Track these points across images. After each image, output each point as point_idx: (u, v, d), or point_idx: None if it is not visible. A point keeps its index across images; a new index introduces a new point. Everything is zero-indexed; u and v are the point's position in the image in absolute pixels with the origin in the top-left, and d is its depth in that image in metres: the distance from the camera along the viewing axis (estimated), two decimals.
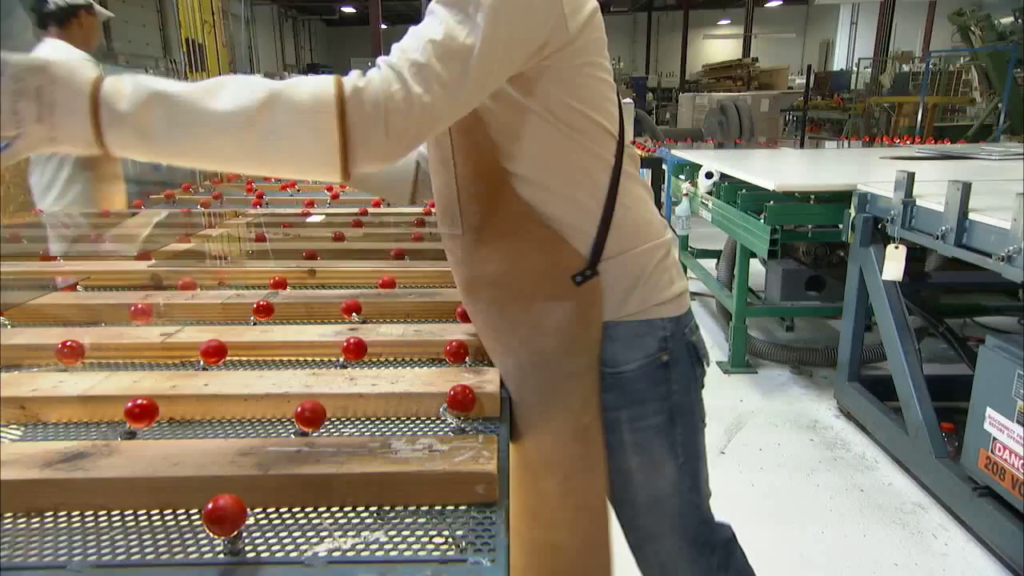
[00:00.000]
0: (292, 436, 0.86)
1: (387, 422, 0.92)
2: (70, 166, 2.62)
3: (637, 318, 1.00)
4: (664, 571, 1.13)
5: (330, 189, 2.88)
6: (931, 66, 10.84)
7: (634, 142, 6.17)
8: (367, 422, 0.92)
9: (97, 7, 2.79)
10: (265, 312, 1.24)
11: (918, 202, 2.36)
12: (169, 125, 0.72)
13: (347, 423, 0.91)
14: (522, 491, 1.04)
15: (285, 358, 1.11)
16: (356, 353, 1.07)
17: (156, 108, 0.72)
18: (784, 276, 3.47)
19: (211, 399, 0.92)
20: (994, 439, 1.92)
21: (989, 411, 1.94)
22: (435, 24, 0.80)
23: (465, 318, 1.24)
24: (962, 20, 8.67)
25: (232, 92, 0.73)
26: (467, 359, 1.07)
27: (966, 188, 2.09)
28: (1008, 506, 1.92)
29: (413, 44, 0.79)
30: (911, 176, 2.38)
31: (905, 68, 13.95)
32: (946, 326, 2.91)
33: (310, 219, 2.23)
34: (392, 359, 1.12)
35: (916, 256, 2.78)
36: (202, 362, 1.04)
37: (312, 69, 16.37)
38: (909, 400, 2.39)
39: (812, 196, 2.99)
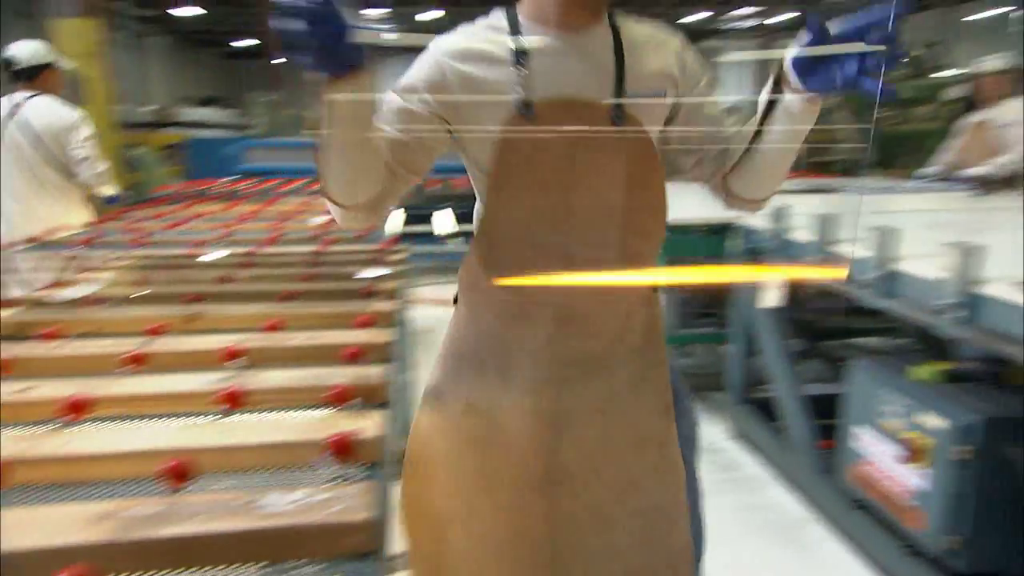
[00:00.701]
0: (159, 495, 0.82)
1: (264, 473, 0.89)
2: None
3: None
4: (700, 521, 1.36)
5: (227, 227, 2.79)
6: None
7: None
8: (243, 475, 0.89)
9: (59, 61, 3.29)
10: (138, 362, 1.18)
11: (790, 234, 2.53)
12: None
13: (221, 477, 0.88)
14: (615, 468, 1.19)
15: (158, 411, 1.06)
16: (235, 401, 1.03)
17: None
18: (679, 305, 3.62)
19: (71, 460, 0.86)
20: (863, 455, 2.06)
21: (858, 428, 2.08)
22: None
23: (352, 359, 1.23)
24: None
25: None
26: (351, 402, 1.05)
27: (832, 220, 2.26)
28: (880, 518, 2.05)
29: None
30: (785, 209, 2.55)
31: None
32: (822, 349, 3.10)
33: (200, 259, 2.15)
34: (275, 406, 1.09)
35: (797, 283, 2.97)
36: (63, 419, 0.97)
37: (209, 102, 15.83)
38: (791, 420, 2.53)
39: (699, 228, 3.15)
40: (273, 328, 1.40)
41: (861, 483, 2.08)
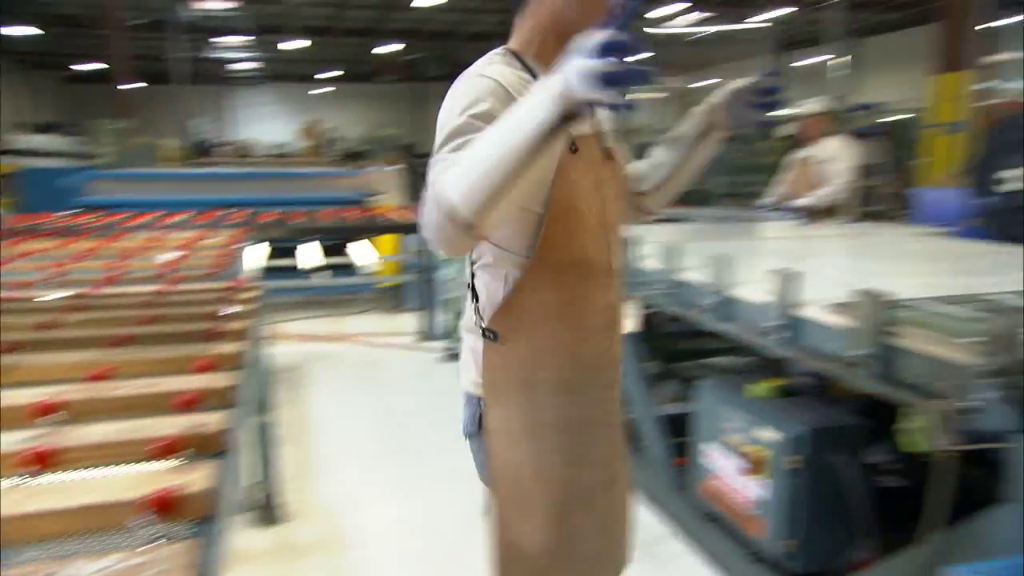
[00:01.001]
0: None
1: (74, 540, 0.82)
2: None
3: None
4: None
5: (59, 266, 2.56)
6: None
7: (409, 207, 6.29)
8: (48, 544, 0.81)
9: None
10: None
11: (642, 263, 2.67)
12: None
13: (21, 548, 0.80)
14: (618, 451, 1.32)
15: None
16: (45, 462, 0.94)
17: None
18: None
19: None
20: (711, 469, 2.19)
21: (705, 445, 2.21)
22: None
23: (187, 406, 1.16)
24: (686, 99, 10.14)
25: None
26: (182, 453, 0.99)
27: (678, 250, 2.41)
28: (728, 528, 2.18)
29: None
30: (638, 238, 2.69)
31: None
32: (676, 370, 3.28)
33: (20, 303, 1.96)
34: (94, 463, 1.00)
35: (652, 308, 3.12)
36: None
37: (47, 129, 14.55)
38: (649, 440, 2.64)
39: None
40: (99, 377, 1.30)
41: (711, 497, 2.21)
